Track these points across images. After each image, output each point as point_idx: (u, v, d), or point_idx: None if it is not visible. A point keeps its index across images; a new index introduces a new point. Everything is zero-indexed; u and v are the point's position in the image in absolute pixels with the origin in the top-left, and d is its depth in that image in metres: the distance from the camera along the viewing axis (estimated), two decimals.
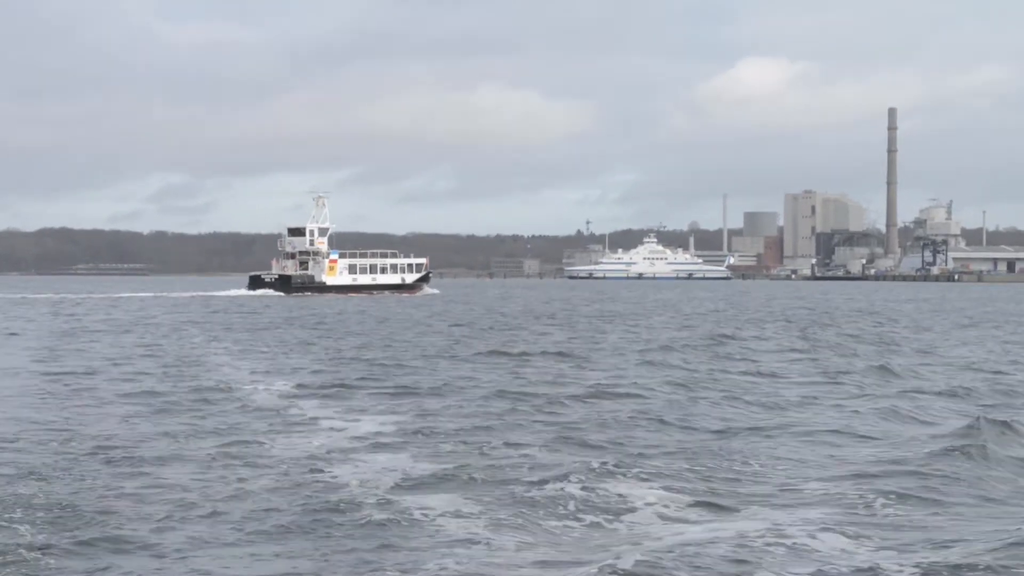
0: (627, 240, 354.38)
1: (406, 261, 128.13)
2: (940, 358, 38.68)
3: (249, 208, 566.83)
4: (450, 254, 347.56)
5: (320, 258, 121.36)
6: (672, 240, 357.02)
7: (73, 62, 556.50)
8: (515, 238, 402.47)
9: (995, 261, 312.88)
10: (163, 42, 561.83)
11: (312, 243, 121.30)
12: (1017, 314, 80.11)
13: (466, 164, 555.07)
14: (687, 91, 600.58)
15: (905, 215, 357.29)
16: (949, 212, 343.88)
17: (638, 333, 53.29)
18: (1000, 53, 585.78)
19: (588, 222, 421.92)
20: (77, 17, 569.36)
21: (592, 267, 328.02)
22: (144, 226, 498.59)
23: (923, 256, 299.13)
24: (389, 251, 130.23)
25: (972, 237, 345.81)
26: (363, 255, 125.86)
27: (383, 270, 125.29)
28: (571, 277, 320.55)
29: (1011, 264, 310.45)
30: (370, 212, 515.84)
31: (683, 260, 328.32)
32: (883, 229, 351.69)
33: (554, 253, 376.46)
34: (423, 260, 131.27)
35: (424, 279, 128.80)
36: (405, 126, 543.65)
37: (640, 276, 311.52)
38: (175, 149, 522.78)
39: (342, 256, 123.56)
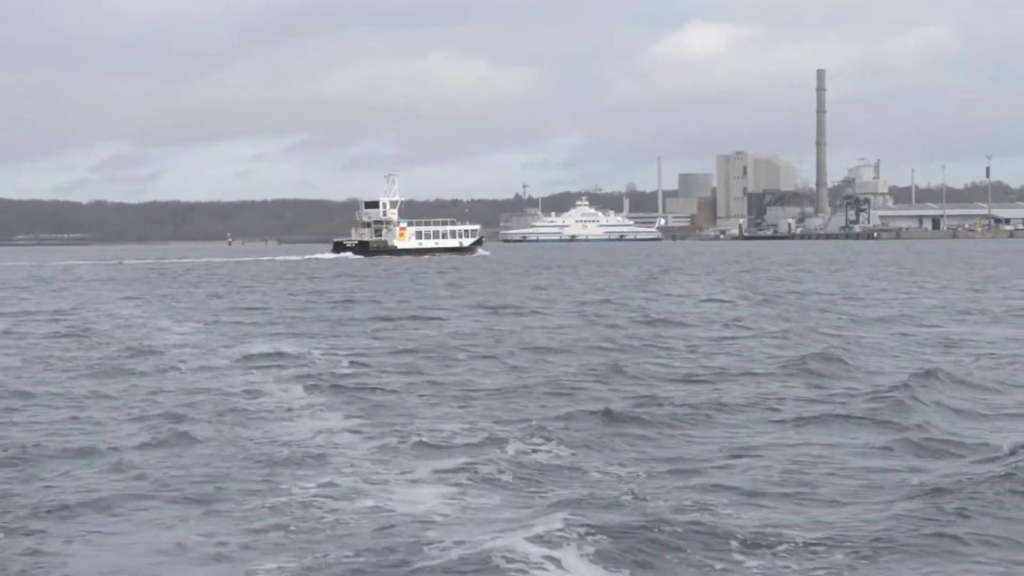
0: (564, 203, 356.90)
1: (463, 228, 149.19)
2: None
3: (194, 176, 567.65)
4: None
5: (392, 226, 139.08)
6: (608, 202, 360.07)
7: (21, 34, 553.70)
8: (454, 202, 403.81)
9: (920, 218, 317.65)
10: (113, 14, 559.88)
11: (385, 213, 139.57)
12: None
13: (413, 130, 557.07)
14: (633, 57, 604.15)
15: (838, 175, 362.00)
16: (877, 171, 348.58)
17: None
18: (936, 17, 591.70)
19: (525, 186, 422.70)
20: None
21: (526, 230, 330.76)
22: (87, 196, 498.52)
23: (847, 214, 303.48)
24: (449, 219, 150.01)
25: (903, 196, 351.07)
26: (427, 223, 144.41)
27: (444, 236, 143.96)
28: (505, 240, 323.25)
29: (936, 221, 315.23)
30: (315, 178, 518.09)
31: (615, 222, 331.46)
32: (815, 189, 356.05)
33: (492, 217, 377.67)
34: (477, 227, 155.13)
35: (478, 243, 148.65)
36: (353, 93, 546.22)
37: (573, 238, 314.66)
38: (122, 119, 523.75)
39: (410, 224, 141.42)
